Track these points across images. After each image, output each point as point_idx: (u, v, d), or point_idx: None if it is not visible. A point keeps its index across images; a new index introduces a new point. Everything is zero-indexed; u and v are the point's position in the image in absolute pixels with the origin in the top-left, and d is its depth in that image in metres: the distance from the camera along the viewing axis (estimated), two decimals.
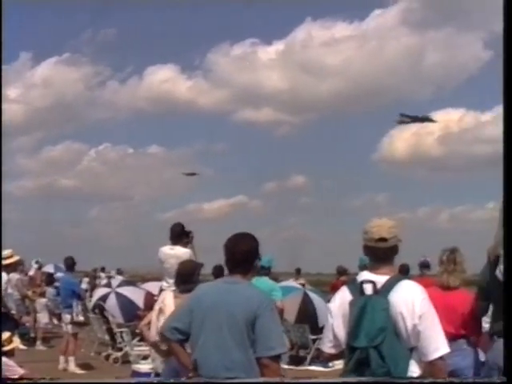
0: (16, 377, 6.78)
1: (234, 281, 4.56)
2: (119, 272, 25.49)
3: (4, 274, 12.43)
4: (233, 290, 4.49)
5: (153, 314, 6.73)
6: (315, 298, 14.70)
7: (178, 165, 71.64)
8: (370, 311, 4.06)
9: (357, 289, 4.19)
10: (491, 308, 5.62)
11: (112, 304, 15.32)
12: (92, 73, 73.69)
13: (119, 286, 16.65)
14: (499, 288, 5.08)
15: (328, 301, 4.74)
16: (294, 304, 13.95)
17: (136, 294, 15.45)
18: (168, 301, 6.58)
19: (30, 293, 15.97)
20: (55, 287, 16.66)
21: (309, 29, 62.94)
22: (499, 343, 5.14)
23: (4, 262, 12.30)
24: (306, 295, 14.72)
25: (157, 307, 6.73)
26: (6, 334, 7.78)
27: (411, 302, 4.08)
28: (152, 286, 14.26)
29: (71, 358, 12.65)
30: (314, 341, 13.14)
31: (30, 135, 79.71)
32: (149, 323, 6.72)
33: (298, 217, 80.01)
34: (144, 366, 10.37)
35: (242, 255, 4.56)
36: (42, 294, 17.10)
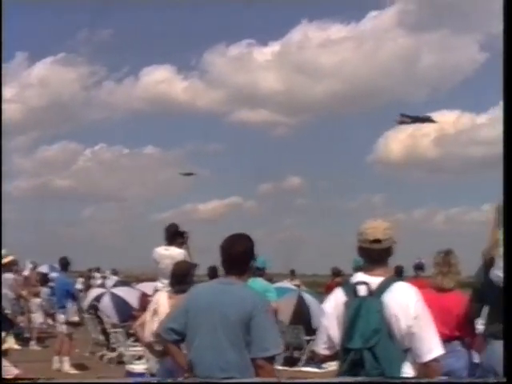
0: (10, 377, 6.76)
1: (229, 282, 4.56)
2: (114, 272, 25.39)
3: None
4: (227, 291, 4.49)
5: (147, 315, 6.72)
6: (310, 299, 14.70)
7: (174, 165, 71.72)
8: (365, 313, 4.06)
9: (351, 290, 4.19)
10: (485, 310, 5.62)
11: (106, 304, 15.32)
12: (88, 73, 73.86)
13: (114, 286, 16.67)
14: (494, 290, 5.09)
15: (322, 302, 4.73)
16: (288, 305, 13.94)
17: (130, 295, 15.45)
18: (162, 301, 6.57)
19: (24, 293, 15.95)
20: (50, 287, 16.65)
21: (305, 30, 63.30)
22: (493, 345, 5.14)
23: None
24: (300, 296, 14.72)
25: (151, 308, 6.72)
26: None
27: (405, 303, 4.09)
28: (147, 287, 14.22)
29: (65, 358, 12.63)
30: (309, 342, 13.13)
31: (25, 135, 79.60)
32: (143, 324, 6.71)
33: (293, 218, 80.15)
34: (138, 367, 10.35)
35: (238, 256, 4.56)
36: (37, 294, 17.10)
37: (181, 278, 6.54)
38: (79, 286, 21.20)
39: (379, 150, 69.98)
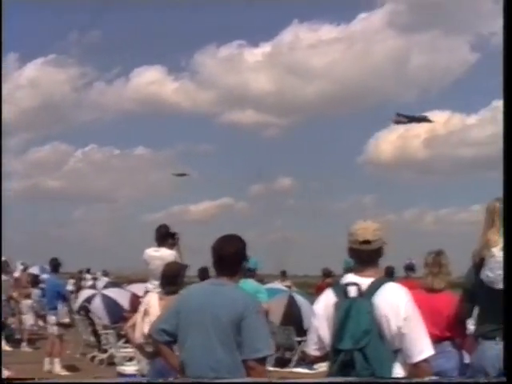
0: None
1: (220, 283, 4.56)
2: (105, 273, 25.39)
3: None
4: (219, 292, 4.49)
5: (138, 316, 6.71)
6: (301, 300, 14.72)
7: (165, 166, 71.71)
8: (355, 314, 4.06)
9: (341, 291, 4.19)
10: (476, 310, 5.63)
11: (97, 305, 15.30)
12: (79, 74, 73.72)
13: (105, 287, 16.67)
14: (484, 290, 5.10)
15: (313, 303, 4.74)
16: (279, 306, 13.96)
17: (121, 296, 15.44)
18: (153, 302, 6.56)
19: (15, 294, 15.94)
20: (40, 289, 16.63)
21: (296, 31, 63.40)
22: (484, 345, 5.15)
23: None
24: (291, 297, 14.74)
25: (142, 309, 6.71)
26: None
27: (396, 304, 4.09)
28: (137, 288, 14.22)
29: (56, 360, 12.61)
30: (300, 343, 13.14)
31: (16, 136, 79.29)
32: (134, 325, 6.70)
33: (284, 219, 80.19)
34: (129, 368, 10.37)
35: (230, 257, 4.56)
36: (28, 296, 17.05)
37: (171, 279, 6.53)
38: (70, 287, 21.20)
39: (370, 150, 70.28)
